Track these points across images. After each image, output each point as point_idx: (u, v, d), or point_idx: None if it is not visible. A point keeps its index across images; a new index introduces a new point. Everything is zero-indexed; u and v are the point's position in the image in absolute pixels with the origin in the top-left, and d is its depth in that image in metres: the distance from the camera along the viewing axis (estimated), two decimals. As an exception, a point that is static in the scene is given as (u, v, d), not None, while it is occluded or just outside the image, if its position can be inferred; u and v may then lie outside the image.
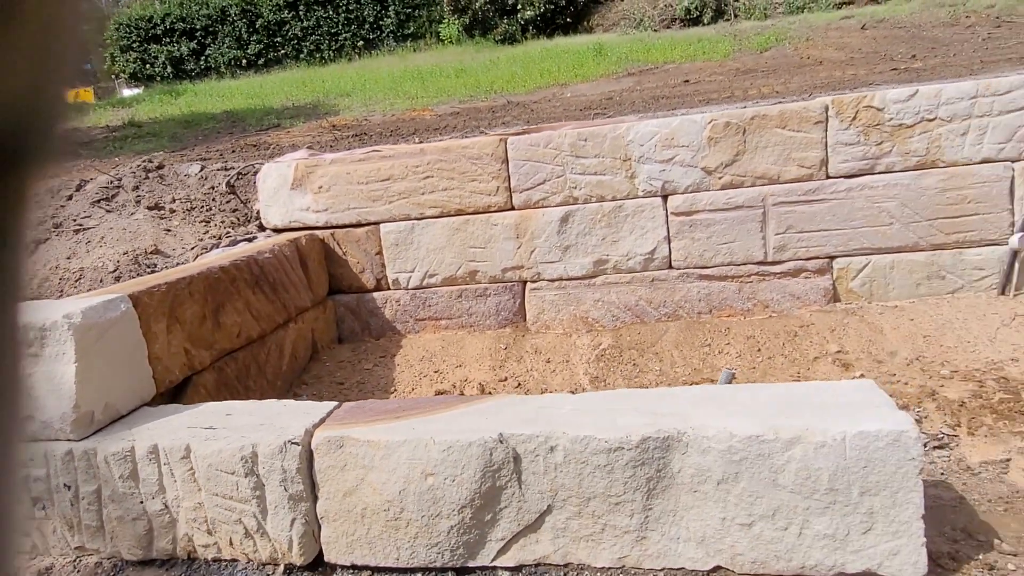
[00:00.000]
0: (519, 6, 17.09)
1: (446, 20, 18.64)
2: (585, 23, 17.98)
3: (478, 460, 2.09)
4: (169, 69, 20.02)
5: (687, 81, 9.92)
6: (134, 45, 20.17)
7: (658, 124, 4.00)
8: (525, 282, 4.32)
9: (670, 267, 4.15)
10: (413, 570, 2.22)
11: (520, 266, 4.27)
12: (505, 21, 17.41)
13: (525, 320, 4.36)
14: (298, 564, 2.27)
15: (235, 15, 19.75)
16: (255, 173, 4.78)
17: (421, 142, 5.31)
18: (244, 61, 19.90)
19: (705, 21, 15.77)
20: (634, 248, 4.14)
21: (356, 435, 2.19)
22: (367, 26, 19.51)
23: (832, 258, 4.00)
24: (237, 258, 3.46)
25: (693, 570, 2.06)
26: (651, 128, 4.00)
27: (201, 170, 4.81)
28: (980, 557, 2.07)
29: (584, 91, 10.45)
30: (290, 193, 4.46)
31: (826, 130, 3.86)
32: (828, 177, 3.92)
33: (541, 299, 4.31)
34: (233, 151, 8.07)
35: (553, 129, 4.24)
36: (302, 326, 4.05)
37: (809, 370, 3.53)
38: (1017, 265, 3.74)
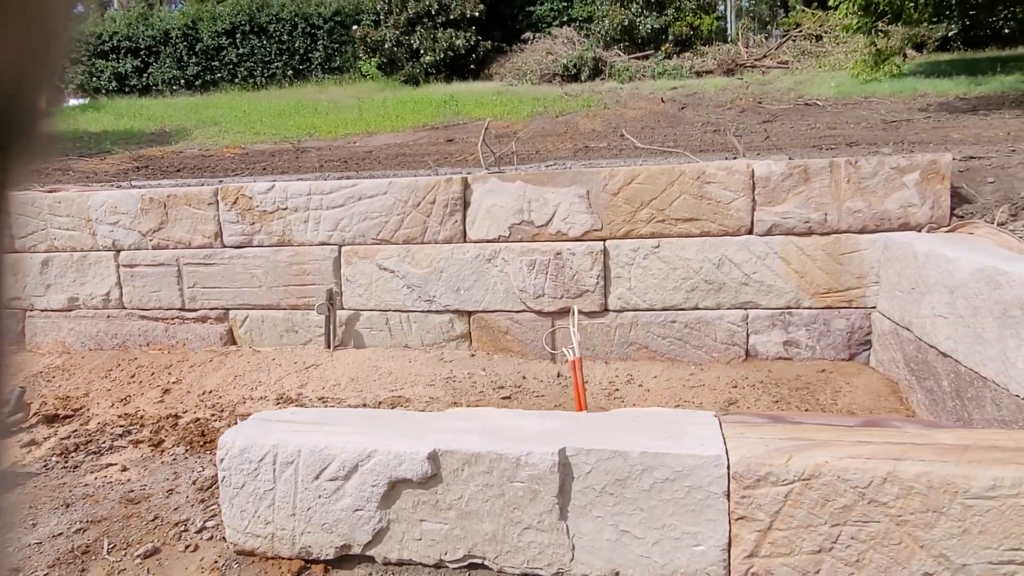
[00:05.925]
0: (422, 51, 18.34)
1: (363, 58, 20.06)
2: (486, 71, 19.16)
3: None
4: (113, 83, 21.63)
5: (451, 140, 10.98)
6: (82, 59, 21.81)
7: (108, 195, 5.09)
8: (25, 310, 5.41)
9: (122, 307, 5.21)
10: None
11: (19, 297, 5.37)
12: (410, 64, 18.68)
13: (24, 341, 5.44)
14: None
15: (177, 37, 21.34)
16: None
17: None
18: (183, 81, 21.47)
19: (582, 78, 16.75)
20: (96, 290, 5.21)
21: None
22: (297, 57, 20.95)
23: (228, 310, 5.03)
24: None
25: None
26: (103, 197, 5.09)
27: None
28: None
29: (374, 142, 11.55)
30: None
31: (218, 210, 4.92)
32: (223, 246, 4.96)
33: (35, 325, 5.39)
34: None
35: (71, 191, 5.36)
36: None
37: (139, 394, 4.56)
38: (333, 327, 4.73)
